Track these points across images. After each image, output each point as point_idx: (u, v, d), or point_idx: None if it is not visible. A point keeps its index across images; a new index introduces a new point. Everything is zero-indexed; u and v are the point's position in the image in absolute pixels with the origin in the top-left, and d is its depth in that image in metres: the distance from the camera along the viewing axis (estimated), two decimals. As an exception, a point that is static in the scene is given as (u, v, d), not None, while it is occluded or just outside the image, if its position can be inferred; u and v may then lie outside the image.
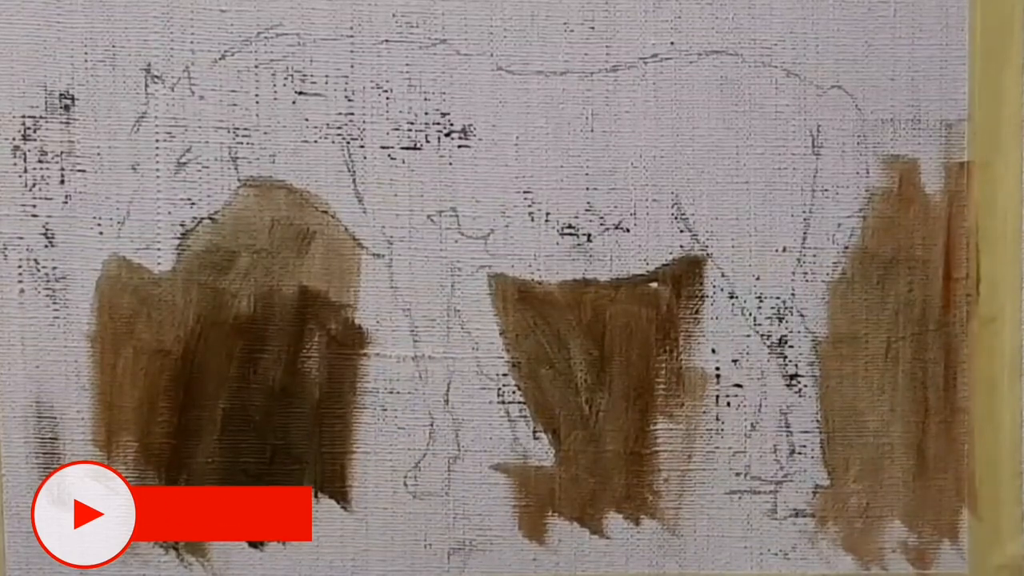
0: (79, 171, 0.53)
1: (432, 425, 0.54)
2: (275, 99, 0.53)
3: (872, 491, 0.55)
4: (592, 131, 0.53)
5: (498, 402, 0.54)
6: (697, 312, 0.54)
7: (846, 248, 0.54)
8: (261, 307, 0.53)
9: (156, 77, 0.52)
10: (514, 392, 0.54)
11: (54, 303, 0.53)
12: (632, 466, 0.55)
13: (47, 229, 0.53)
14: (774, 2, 0.53)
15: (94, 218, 0.53)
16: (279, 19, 0.52)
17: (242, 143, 0.53)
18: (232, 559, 0.54)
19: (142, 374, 0.53)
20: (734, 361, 0.54)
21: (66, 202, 0.53)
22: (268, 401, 0.54)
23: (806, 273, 0.54)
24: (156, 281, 0.53)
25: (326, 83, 0.53)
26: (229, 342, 0.54)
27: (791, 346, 0.54)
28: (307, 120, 0.53)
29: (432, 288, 0.54)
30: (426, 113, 0.53)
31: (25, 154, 0.52)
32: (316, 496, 0.54)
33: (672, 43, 0.53)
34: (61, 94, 0.52)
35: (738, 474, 0.55)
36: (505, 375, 0.54)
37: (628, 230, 0.54)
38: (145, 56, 0.52)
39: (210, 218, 0.53)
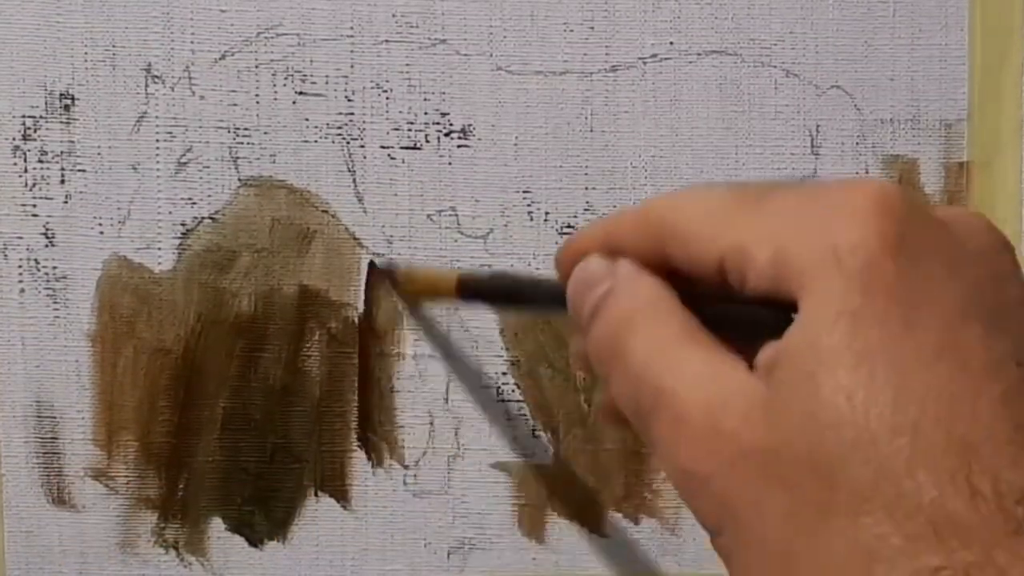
0: (79, 171, 0.53)
1: (431, 424, 0.54)
2: (275, 99, 0.53)
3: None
4: (591, 131, 0.53)
5: (497, 400, 0.54)
6: (696, 312, 0.54)
7: (845, 248, 0.54)
8: (262, 306, 0.54)
9: (156, 77, 0.53)
10: (513, 391, 0.54)
11: (54, 303, 0.53)
12: (631, 465, 0.55)
13: (47, 229, 0.53)
14: (773, 2, 0.53)
15: (94, 218, 0.53)
16: (279, 19, 0.53)
17: (242, 143, 0.53)
18: (232, 559, 0.54)
19: (142, 373, 0.53)
20: (733, 361, 0.54)
21: (66, 202, 0.53)
22: (268, 400, 0.54)
23: (805, 273, 0.54)
24: (157, 280, 0.53)
25: (326, 83, 0.53)
26: (230, 341, 0.54)
27: (790, 346, 0.54)
28: (307, 120, 0.53)
29: (432, 287, 0.54)
30: (426, 113, 0.53)
31: (25, 154, 0.52)
32: (316, 495, 0.54)
33: (671, 43, 0.53)
34: (61, 94, 0.52)
35: (737, 473, 0.55)
36: (504, 374, 0.54)
37: (627, 230, 0.54)
38: (145, 56, 0.52)
39: (211, 218, 0.53)
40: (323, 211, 0.53)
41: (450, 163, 0.53)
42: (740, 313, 0.30)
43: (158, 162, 0.53)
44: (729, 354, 0.30)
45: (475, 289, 0.47)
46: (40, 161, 0.52)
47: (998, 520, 0.25)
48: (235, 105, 0.53)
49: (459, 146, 0.53)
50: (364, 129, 0.53)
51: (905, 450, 0.26)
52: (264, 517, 0.54)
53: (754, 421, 0.28)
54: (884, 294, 0.27)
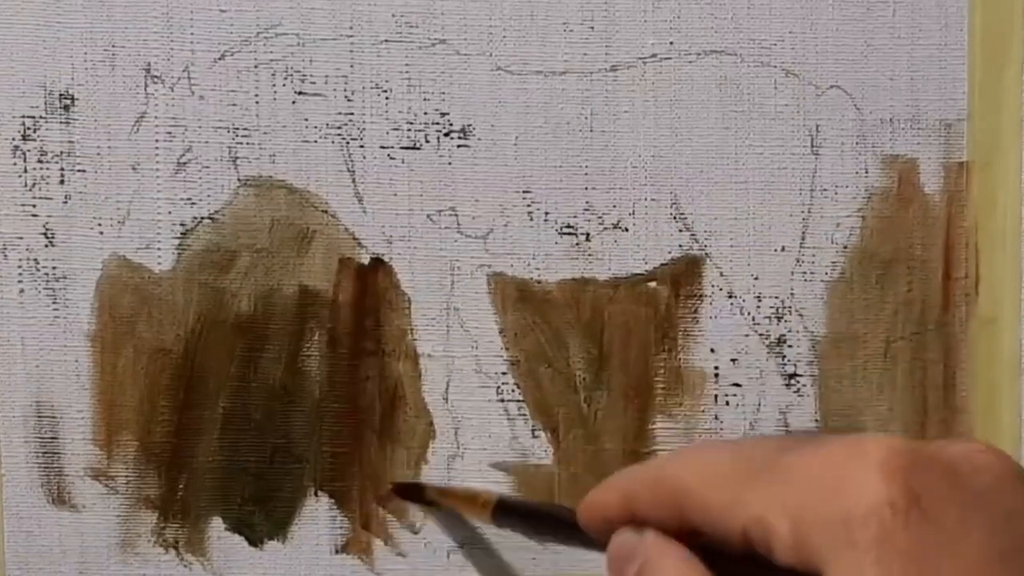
0: (79, 171, 0.53)
1: (432, 423, 0.54)
2: (275, 99, 0.53)
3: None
4: (591, 131, 0.53)
5: (497, 400, 0.54)
6: (696, 311, 0.54)
7: (845, 248, 0.54)
8: (262, 306, 0.54)
9: (156, 77, 0.53)
10: (513, 390, 0.54)
11: (54, 303, 0.53)
12: (631, 464, 0.55)
13: (47, 229, 0.53)
14: (773, 2, 0.53)
15: (94, 218, 0.53)
16: (279, 19, 0.53)
17: (242, 143, 0.53)
18: (232, 559, 0.54)
19: (142, 373, 0.53)
20: (733, 360, 0.55)
21: (66, 202, 0.53)
22: (268, 400, 0.54)
23: (805, 273, 0.54)
24: (156, 280, 0.53)
25: (326, 83, 0.53)
26: (230, 341, 0.54)
27: (790, 345, 0.55)
28: (307, 120, 0.53)
29: (432, 287, 0.54)
30: (425, 113, 0.53)
31: (25, 154, 0.52)
32: (316, 495, 0.54)
33: (671, 43, 0.53)
34: (61, 94, 0.52)
35: (737, 473, 0.55)
36: (504, 373, 0.54)
37: (627, 229, 0.54)
38: (145, 56, 0.52)
39: (210, 218, 0.53)
40: (323, 211, 0.53)
41: (450, 163, 0.53)
42: None
43: (158, 162, 0.53)
44: None
45: (511, 514, 0.47)
46: (40, 161, 0.52)
47: None
48: (234, 105, 0.53)
49: (459, 146, 0.53)
50: (364, 129, 0.53)
51: None
52: (264, 517, 0.54)
53: None
54: (899, 560, 0.28)
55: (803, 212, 0.54)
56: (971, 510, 0.29)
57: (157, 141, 0.53)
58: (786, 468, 0.31)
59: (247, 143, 0.53)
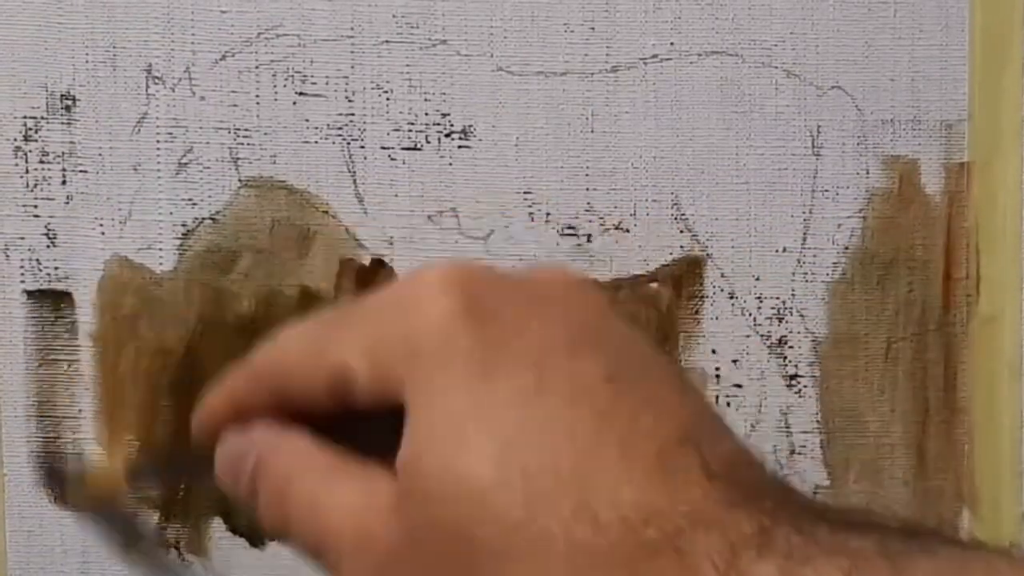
0: (80, 171, 0.53)
1: (433, 424, 0.54)
2: (276, 100, 0.53)
3: (872, 491, 0.55)
4: (592, 132, 0.53)
5: (499, 401, 0.54)
6: (697, 312, 0.54)
7: (846, 248, 0.54)
8: (262, 307, 0.54)
9: (157, 78, 0.53)
10: (515, 391, 0.54)
11: (56, 303, 0.53)
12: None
13: (49, 229, 0.53)
14: (774, 3, 0.53)
15: (96, 218, 0.53)
16: (279, 20, 0.53)
17: (243, 144, 0.53)
18: (232, 559, 0.54)
19: (143, 374, 0.53)
20: (734, 361, 0.54)
21: (68, 202, 0.53)
22: (269, 400, 0.54)
23: (806, 273, 0.54)
24: (158, 281, 0.53)
25: (326, 84, 0.53)
26: (230, 342, 0.54)
27: (791, 346, 0.54)
28: (307, 121, 0.53)
29: (433, 288, 0.54)
30: (426, 114, 0.53)
31: (26, 155, 0.52)
32: (317, 495, 0.54)
33: (672, 44, 0.53)
34: (62, 95, 0.52)
35: (738, 474, 0.55)
36: (506, 374, 0.54)
37: (628, 230, 0.54)
38: (146, 57, 0.52)
39: (211, 218, 0.53)
40: (323, 212, 0.53)
41: (451, 164, 0.53)
42: (372, 427, 0.31)
43: (159, 163, 0.53)
44: (376, 469, 0.30)
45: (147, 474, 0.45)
46: (41, 162, 0.53)
47: (628, 546, 0.25)
48: (235, 106, 0.53)
49: (460, 147, 0.53)
50: (364, 130, 0.53)
51: (519, 499, 0.26)
52: (265, 517, 0.54)
53: (391, 522, 0.29)
54: (462, 361, 0.28)
55: (804, 213, 0.54)
56: (534, 308, 0.29)
57: (158, 142, 0.53)
58: (358, 311, 0.31)
59: (248, 144, 0.53)
